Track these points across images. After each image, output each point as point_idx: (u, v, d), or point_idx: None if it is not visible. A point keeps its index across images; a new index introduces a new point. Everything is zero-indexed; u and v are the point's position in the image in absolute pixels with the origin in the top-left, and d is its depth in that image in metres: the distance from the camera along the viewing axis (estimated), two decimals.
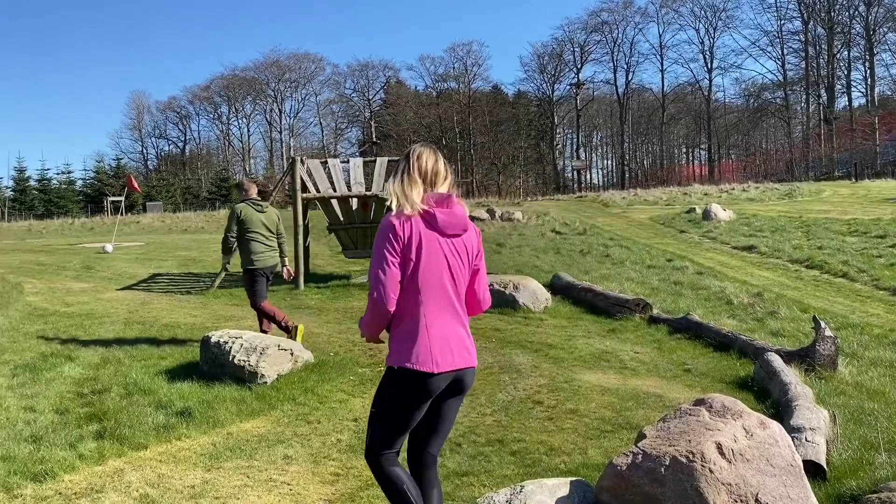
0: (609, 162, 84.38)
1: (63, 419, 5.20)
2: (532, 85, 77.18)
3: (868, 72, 64.93)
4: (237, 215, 7.34)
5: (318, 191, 12.91)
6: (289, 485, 4.08)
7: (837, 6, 63.85)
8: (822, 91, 65.95)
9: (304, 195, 12.80)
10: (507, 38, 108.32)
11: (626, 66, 73.00)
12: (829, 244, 15.78)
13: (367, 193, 12.69)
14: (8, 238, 27.54)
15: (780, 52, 68.41)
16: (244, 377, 5.93)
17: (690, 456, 2.98)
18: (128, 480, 4.12)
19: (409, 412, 2.81)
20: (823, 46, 65.26)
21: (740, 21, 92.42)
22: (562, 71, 74.37)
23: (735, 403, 3.39)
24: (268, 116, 77.91)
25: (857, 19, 63.75)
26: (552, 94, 74.85)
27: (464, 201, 3.02)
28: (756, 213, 24.69)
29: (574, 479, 3.43)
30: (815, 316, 7.01)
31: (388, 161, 13.64)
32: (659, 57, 72.07)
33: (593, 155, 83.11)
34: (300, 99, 77.42)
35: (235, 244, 7.41)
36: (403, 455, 2.96)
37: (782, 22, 67.83)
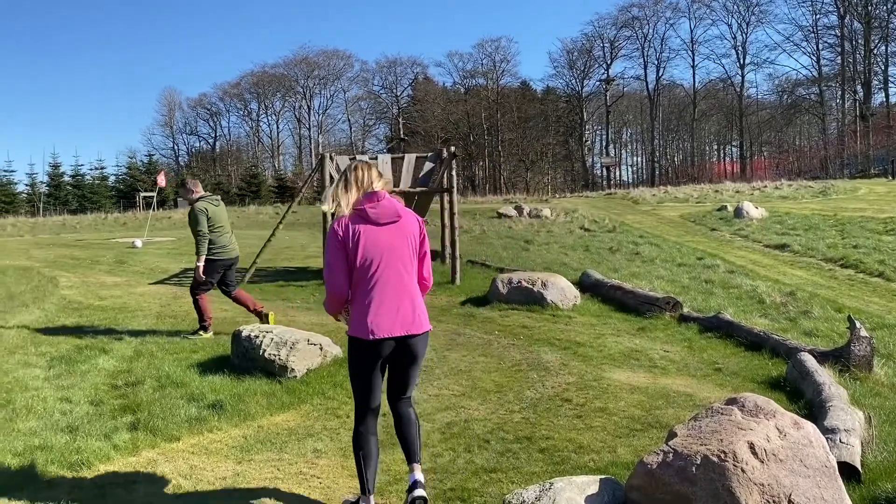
0: (639, 159, 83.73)
1: (98, 410, 5.30)
2: (561, 81, 76.85)
3: None
4: (206, 214, 7.59)
5: None
6: (318, 478, 4.12)
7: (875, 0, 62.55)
8: (859, 87, 64.66)
9: None
10: (535, 33, 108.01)
11: (656, 62, 72.38)
12: (865, 243, 15.49)
13: (395, 190, 12.71)
14: (43, 232, 28.10)
15: (815, 47, 67.29)
16: (274, 371, 6.00)
17: (722, 455, 2.94)
18: (161, 471, 4.19)
19: (363, 369, 3.50)
20: (860, 41, 63.96)
21: (774, 16, 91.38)
22: (591, 67, 73.93)
23: (768, 403, 3.34)
24: (297, 113, 78.52)
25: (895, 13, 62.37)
26: (581, 90, 74.42)
27: (398, 198, 3.70)
28: (789, 211, 24.31)
29: (603, 476, 3.41)
30: (850, 316, 6.88)
31: (417, 157, 13.66)
32: (690, 52, 71.32)
33: (623, 152, 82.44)
34: (329, 96, 77.95)
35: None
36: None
37: (817, 16, 66.69)
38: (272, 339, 6.17)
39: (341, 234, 3.44)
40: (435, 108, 70.87)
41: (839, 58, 65.34)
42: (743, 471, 2.89)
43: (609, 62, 73.01)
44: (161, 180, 24.75)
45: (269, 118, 79.82)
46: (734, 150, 75.74)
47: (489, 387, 5.93)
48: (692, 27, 71.80)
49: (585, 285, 10.53)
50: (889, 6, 62.35)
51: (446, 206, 12.75)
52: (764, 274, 12.86)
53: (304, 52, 75.59)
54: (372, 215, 3.45)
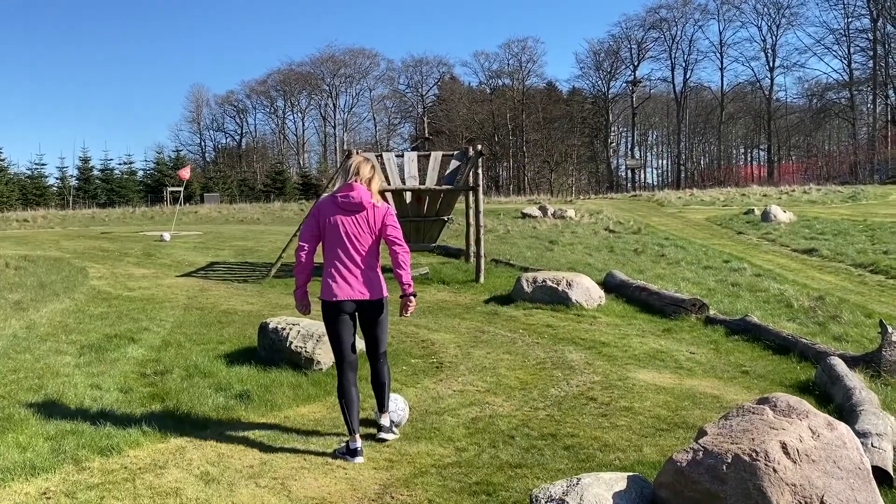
0: (664, 161, 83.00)
1: (127, 397, 5.38)
2: (587, 82, 76.30)
3: None
4: None
5: None
6: (344, 469, 4.14)
7: None
8: (890, 91, 63.57)
9: None
10: (562, 34, 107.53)
11: (684, 64, 71.60)
12: None
13: (422, 187, 12.73)
14: (73, 225, 28.51)
15: (846, 51, 66.13)
16: (300, 363, 6.04)
17: (754, 454, 2.91)
18: (189, 458, 4.24)
19: (333, 327, 4.39)
20: (893, 45, 62.87)
21: (805, 18, 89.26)
22: (618, 68, 73.34)
23: (800, 403, 3.30)
24: (322, 111, 78.84)
25: None
26: (607, 91, 73.87)
27: (367, 191, 4.36)
28: (818, 215, 23.98)
29: (631, 473, 3.39)
30: (881, 321, 6.77)
31: (443, 155, 13.66)
32: (718, 55, 70.43)
33: (648, 154, 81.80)
34: (354, 94, 78.10)
35: None
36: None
37: (849, 20, 65.52)
38: (299, 331, 6.21)
39: (316, 211, 4.38)
40: (460, 108, 70.77)
41: (871, 61, 64.24)
42: (775, 470, 2.86)
43: (636, 64, 72.45)
44: (185, 173, 25.00)
45: (295, 116, 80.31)
46: (762, 153, 74.75)
47: (513, 384, 5.92)
48: (721, 29, 70.88)
49: (610, 286, 10.47)
50: None
51: (471, 204, 12.74)
52: (792, 278, 12.69)
53: (330, 51, 75.91)
54: (340, 203, 4.29)
